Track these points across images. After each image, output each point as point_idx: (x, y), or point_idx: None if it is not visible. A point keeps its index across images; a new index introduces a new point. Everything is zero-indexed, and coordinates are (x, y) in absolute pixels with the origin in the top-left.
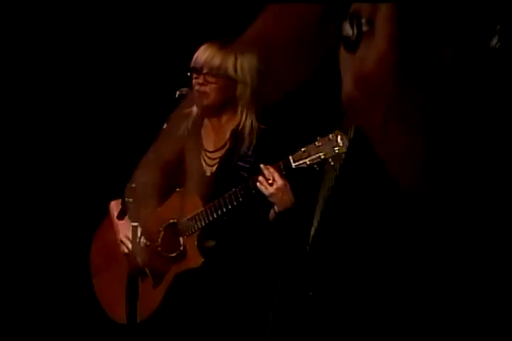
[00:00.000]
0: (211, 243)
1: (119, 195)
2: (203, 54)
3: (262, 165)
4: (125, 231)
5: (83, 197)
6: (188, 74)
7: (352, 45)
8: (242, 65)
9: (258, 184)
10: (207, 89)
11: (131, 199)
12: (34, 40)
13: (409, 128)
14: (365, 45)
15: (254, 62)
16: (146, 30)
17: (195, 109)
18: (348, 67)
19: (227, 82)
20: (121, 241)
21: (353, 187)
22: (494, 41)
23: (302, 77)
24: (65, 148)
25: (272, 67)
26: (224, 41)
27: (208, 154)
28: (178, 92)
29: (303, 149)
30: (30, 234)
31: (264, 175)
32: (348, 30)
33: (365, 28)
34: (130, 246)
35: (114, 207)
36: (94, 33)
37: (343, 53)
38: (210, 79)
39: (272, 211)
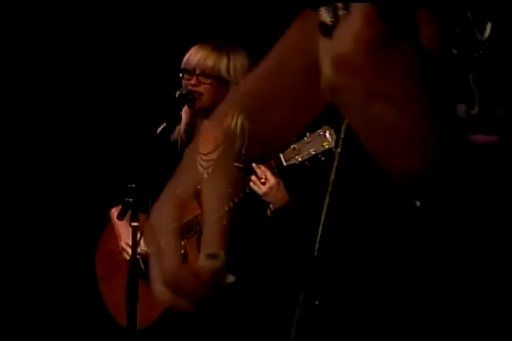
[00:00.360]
0: (231, 278)
1: (120, 200)
2: (196, 55)
3: (254, 165)
4: (126, 238)
5: (87, 203)
6: (180, 75)
7: (329, 30)
8: (234, 65)
9: (251, 183)
10: (200, 89)
11: (131, 199)
12: (33, 42)
13: (392, 105)
14: (342, 27)
15: (246, 63)
16: (145, 31)
17: (184, 114)
18: (326, 50)
19: (220, 83)
20: (123, 249)
21: (351, 189)
22: (486, 35)
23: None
24: (66, 153)
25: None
26: (215, 42)
27: (203, 157)
28: (178, 92)
29: (293, 146)
30: (33, 239)
31: (256, 175)
32: (324, 15)
33: (341, 12)
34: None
35: (115, 213)
36: (92, 34)
37: (321, 39)
38: (203, 80)
39: (268, 210)
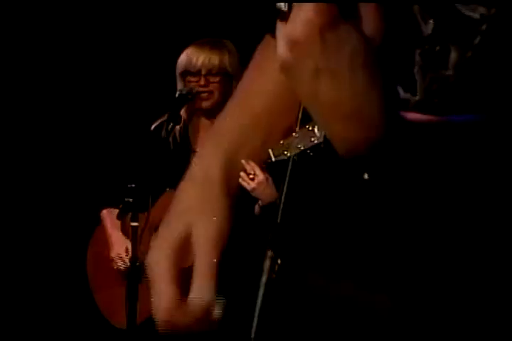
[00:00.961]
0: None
1: (113, 201)
2: (198, 57)
3: (243, 161)
4: (118, 248)
5: (82, 202)
6: (181, 78)
7: (284, 15)
8: (234, 59)
9: (240, 179)
10: (211, 88)
11: (131, 199)
12: (33, 43)
13: (335, 82)
14: (295, 12)
15: (238, 55)
16: (145, 32)
17: (182, 114)
18: (281, 33)
19: (227, 78)
20: (114, 260)
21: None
22: (477, 14)
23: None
24: (62, 152)
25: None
26: (209, 41)
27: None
28: (177, 92)
29: (281, 142)
30: (29, 239)
31: (245, 170)
32: (280, 2)
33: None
34: (121, 264)
35: (106, 215)
36: (89, 35)
37: (278, 24)
38: (211, 79)
39: (257, 205)
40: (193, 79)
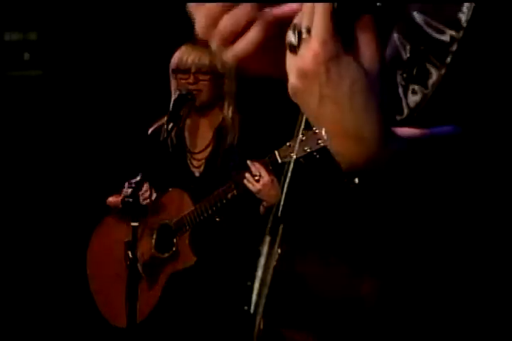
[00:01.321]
0: None
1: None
2: (189, 55)
3: (248, 162)
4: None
5: (80, 204)
6: (172, 76)
7: (294, 49)
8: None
9: (245, 181)
10: (199, 86)
11: (131, 199)
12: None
13: (338, 107)
14: (304, 47)
15: None
16: (144, 33)
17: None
18: (292, 64)
19: (215, 78)
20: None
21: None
22: (447, 37)
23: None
24: (62, 155)
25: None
26: (204, 40)
27: (194, 155)
28: (177, 92)
29: (288, 143)
30: (28, 239)
31: (250, 172)
32: (291, 37)
33: (304, 35)
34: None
35: (112, 197)
36: (91, 36)
37: (288, 55)
38: (201, 76)
39: (261, 206)
40: (183, 76)
